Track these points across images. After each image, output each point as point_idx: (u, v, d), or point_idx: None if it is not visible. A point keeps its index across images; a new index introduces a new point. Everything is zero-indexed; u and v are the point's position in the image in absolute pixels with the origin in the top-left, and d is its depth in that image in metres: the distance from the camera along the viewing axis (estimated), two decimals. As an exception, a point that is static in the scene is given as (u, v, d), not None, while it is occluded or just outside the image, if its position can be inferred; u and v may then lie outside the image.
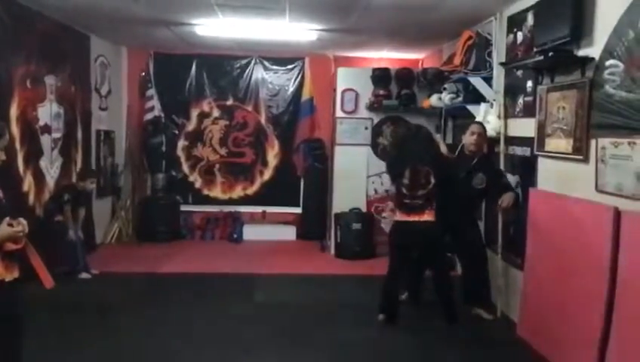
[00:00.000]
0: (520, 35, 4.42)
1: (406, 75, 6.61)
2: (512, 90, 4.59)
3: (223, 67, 7.71)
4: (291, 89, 7.77)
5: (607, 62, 3.18)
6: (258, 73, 7.74)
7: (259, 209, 7.77)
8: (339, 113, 6.74)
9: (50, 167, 5.63)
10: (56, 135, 5.74)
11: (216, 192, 7.82)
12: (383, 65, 7.09)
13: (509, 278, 4.49)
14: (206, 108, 7.73)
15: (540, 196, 3.94)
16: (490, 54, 4.96)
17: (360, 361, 3.77)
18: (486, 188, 4.38)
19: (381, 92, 6.54)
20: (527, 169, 4.24)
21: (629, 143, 2.94)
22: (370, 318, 4.32)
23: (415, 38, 6.28)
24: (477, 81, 4.95)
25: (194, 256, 6.63)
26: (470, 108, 5.07)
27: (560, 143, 3.68)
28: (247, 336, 4.01)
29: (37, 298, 3.35)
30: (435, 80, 6.15)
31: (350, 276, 5.79)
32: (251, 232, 7.50)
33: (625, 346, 2.88)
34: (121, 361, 3.59)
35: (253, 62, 7.71)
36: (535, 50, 3.91)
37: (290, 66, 7.75)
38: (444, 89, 5.65)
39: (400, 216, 4.26)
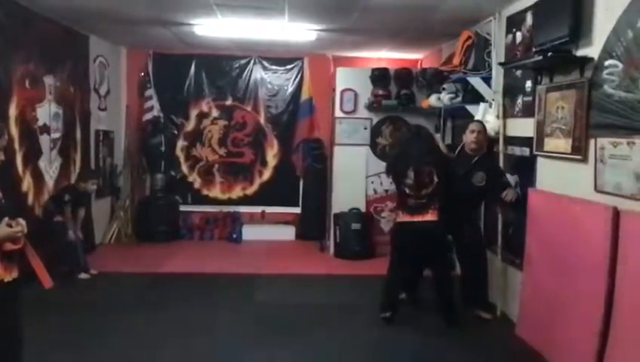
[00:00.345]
0: (519, 35, 4.42)
1: (405, 75, 6.60)
2: (511, 90, 4.59)
3: (222, 67, 7.71)
4: (290, 89, 7.76)
5: (606, 62, 3.18)
6: (257, 73, 7.74)
7: (258, 209, 7.75)
8: (338, 113, 6.73)
9: (49, 167, 5.62)
10: (55, 135, 5.73)
11: (216, 192, 7.81)
12: (382, 65, 7.07)
13: (509, 278, 4.49)
14: (205, 108, 7.73)
15: (539, 196, 3.94)
16: (489, 54, 4.95)
17: (360, 361, 3.77)
18: (486, 187, 4.37)
19: (380, 92, 6.53)
20: (526, 169, 4.23)
21: (628, 143, 2.94)
22: (370, 318, 4.32)
23: (414, 38, 6.28)
24: (476, 81, 4.95)
25: (193, 256, 6.62)
26: (469, 108, 5.07)
27: (559, 143, 3.68)
28: (246, 336, 4.01)
29: (36, 298, 3.33)
30: (434, 80, 6.14)
31: (349, 276, 5.79)
32: (250, 232, 7.49)
33: (624, 346, 2.88)
34: (121, 361, 3.60)
35: (252, 62, 7.71)
36: (534, 50, 3.91)
37: (289, 66, 7.75)
38: (443, 89, 5.63)
39: (403, 217, 4.24)
